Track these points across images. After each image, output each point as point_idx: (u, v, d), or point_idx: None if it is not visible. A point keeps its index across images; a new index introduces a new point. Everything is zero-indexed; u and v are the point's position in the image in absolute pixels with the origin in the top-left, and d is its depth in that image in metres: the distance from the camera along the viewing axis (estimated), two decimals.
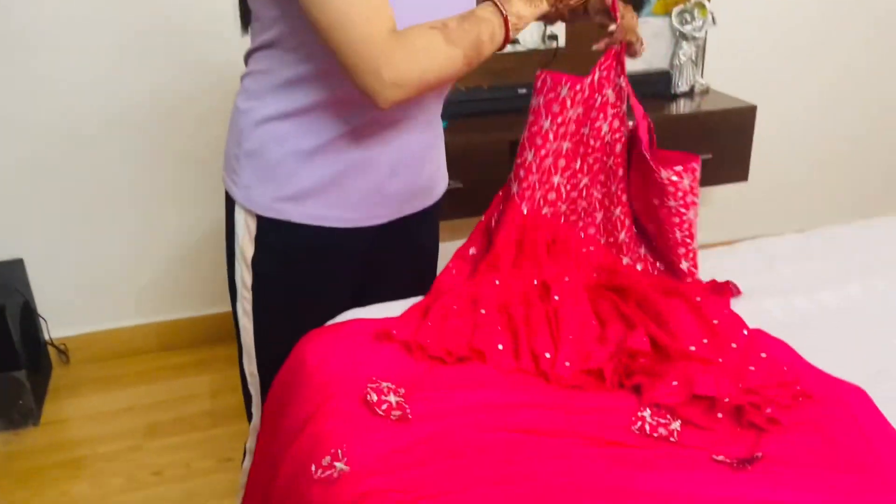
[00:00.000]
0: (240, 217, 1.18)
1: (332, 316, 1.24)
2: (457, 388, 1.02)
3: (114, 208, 2.23)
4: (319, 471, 0.90)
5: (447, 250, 1.36)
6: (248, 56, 1.14)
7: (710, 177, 2.24)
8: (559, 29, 2.24)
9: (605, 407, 1.01)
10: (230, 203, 1.20)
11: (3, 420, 2.04)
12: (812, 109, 2.83)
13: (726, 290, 1.26)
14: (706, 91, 2.45)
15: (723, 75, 2.56)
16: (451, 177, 1.39)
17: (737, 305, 1.22)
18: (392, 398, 0.99)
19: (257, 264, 1.20)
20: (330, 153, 1.11)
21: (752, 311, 1.21)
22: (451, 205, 1.97)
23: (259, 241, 1.18)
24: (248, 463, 1.39)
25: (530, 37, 2.24)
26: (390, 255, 1.31)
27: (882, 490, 0.87)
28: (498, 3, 1.05)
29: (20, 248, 2.19)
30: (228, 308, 2.28)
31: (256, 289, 1.23)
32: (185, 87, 2.16)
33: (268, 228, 1.17)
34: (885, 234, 1.51)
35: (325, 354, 1.10)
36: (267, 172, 1.13)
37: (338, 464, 0.90)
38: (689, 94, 2.42)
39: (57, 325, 2.30)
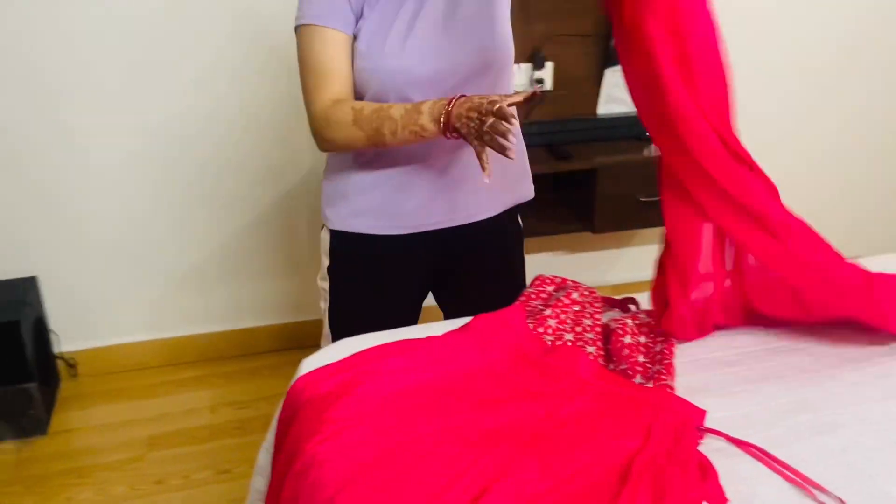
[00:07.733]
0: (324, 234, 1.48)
1: (404, 313, 1.49)
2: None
3: (122, 231, 2.32)
4: None
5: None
6: None
7: None
8: (546, 73, 2.35)
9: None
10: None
11: (13, 429, 2.13)
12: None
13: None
14: None
15: None
16: None
17: None
18: None
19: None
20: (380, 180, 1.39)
21: None
22: None
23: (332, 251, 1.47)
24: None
25: (518, 80, 2.29)
26: (455, 263, 1.49)
27: None
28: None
29: (34, 267, 2.29)
30: (232, 326, 2.38)
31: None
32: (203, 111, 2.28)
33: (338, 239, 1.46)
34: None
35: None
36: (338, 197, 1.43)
37: None
38: None
39: (67, 339, 2.38)
